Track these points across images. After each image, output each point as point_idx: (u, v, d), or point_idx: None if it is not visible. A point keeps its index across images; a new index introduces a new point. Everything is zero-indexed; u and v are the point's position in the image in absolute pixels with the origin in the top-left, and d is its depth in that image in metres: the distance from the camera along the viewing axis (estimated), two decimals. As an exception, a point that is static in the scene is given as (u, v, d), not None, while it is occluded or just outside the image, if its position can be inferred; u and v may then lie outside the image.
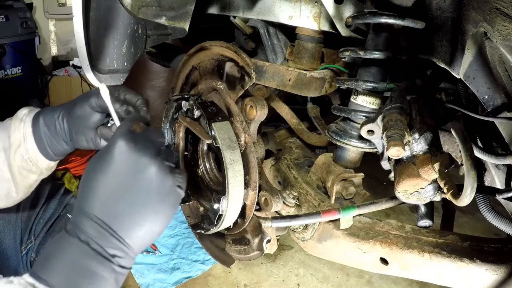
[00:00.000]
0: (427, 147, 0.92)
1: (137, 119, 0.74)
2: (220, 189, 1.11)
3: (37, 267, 0.61)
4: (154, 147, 0.68)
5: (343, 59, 1.37)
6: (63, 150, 0.99)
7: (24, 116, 0.98)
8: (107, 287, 0.61)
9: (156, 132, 0.72)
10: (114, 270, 0.62)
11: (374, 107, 1.17)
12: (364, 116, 1.16)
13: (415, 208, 1.05)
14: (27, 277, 0.59)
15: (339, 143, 1.22)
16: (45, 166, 1.00)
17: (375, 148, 1.07)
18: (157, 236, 0.69)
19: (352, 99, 1.20)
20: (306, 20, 1.32)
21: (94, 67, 1.26)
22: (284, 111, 1.53)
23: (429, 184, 0.90)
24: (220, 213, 1.08)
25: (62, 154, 1.00)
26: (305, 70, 1.37)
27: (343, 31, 1.22)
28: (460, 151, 0.85)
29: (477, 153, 1.02)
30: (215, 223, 1.11)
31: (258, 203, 1.15)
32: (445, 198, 0.90)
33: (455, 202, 0.86)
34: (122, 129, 0.69)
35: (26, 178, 0.98)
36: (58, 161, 1.03)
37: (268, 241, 1.14)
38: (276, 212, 1.25)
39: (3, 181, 0.97)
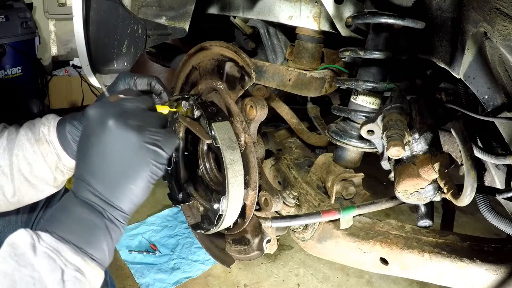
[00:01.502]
0: (427, 147, 0.92)
1: (120, 92, 0.80)
2: (220, 189, 1.11)
3: (48, 224, 0.70)
4: (119, 108, 0.73)
5: (343, 59, 1.37)
6: None
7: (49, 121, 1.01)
8: (98, 232, 0.71)
9: (130, 99, 0.76)
10: (103, 218, 0.71)
11: (374, 107, 1.17)
12: (364, 116, 1.16)
13: (415, 208, 1.05)
14: (44, 236, 0.67)
15: (339, 143, 1.22)
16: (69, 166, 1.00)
17: (375, 148, 1.07)
18: (140, 194, 0.74)
19: (352, 99, 1.20)
20: (306, 20, 1.32)
21: (94, 67, 1.26)
22: (284, 111, 1.53)
23: (429, 184, 0.90)
24: (220, 213, 1.08)
25: None
26: (305, 70, 1.37)
27: (343, 31, 1.22)
28: (460, 151, 0.85)
29: (477, 153, 1.02)
30: (215, 223, 1.11)
31: (258, 203, 1.15)
32: (445, 198, 0.90)
33: (455, 202, 0.86)
34: (98, 100, 0.76)
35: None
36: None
37: (268, 241, 1.14)
38: (276, 212, 1.25)
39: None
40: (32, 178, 0.97)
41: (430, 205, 1.02)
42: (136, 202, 0.74)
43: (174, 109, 1.00)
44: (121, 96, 0.77)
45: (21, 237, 0.66)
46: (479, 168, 1.17)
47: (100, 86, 1.33)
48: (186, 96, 1.13)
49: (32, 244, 0.65)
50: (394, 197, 1.01)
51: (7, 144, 0.97)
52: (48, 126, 0.98)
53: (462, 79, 0.96)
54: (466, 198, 0.83)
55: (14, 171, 0.96)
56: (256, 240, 1.16)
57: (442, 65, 1.03)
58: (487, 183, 1.19)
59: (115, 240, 0.73)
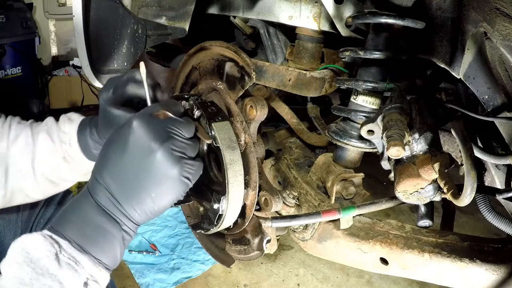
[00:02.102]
0: (427, 147, 0.92)
1: (167, 105, 0.78)
2: (220, 189, 1.11)
3: (54, 222, 0.70)
4: (166, 133, 0.72)
5: (343, 59, 1.37)
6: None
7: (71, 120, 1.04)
8: (115, 243, 0.71)
9: (177, 122, 0.75)
10: (121, 230, 0.71)
11: (374, 107, 1.17)
12: (364, 116, 1.16)
13: (415, 208, 1.05)
14: (45, 231, 0.67)
15: (339, 143, 1.22)
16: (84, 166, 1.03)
17: (375, 148, 1.07)
18: (158, 214, 0.75)
19: (352, 99, 1.20)
20: (306, 20, 1.32)
21: (94, 67, 1.26)
22: (284, 111, 1.53)
23: (429, 184, 0.90)
24: (220, 213, 1.08)
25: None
26: (305, 70, 1.37)
27: (343, 31, 1.22)
28: (460, 151, 0.85)
29: (477, 153, 1.02)
30: (215, 223, 1.11)
31: (258, 203, 1.15)
32: (445, 198, 0.90)
33: (455, 202, 0.86)
34: (144, 111, 0.75)
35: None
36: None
37: (268, 241, 1.14)
38: (276, 212, 1.25)
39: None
40: (57, 180, 1.03)
41: (430, 205, 1.02)
42: (152, 219, 0.75)
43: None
44: (169, 114, 0.77)
45: (38, 243, 0.65)
46: (479, 168, 1.17)
47: (100, 86, 1.33)
48: (186, 96, 1.13)
49: (54, 253, 0.65)
50: (394, 197, 1.01)
51: (25, 147, 1.00)
52: (69, 137, 1.01)
53: (462, 79, 0.96)
54: (466, 198, 0.83)
55: (38, 177, 1.00)
56: (256, 240, 1.16)
57: (442, 65, 1.03)
58: (487, 183, 1.19)
59: (125, 248, 0.75)
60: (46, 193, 1.05)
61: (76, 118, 1.04)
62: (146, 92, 0.87)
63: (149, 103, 0.88)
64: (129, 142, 0.71)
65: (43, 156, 1.00)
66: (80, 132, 1.01)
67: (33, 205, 1.26)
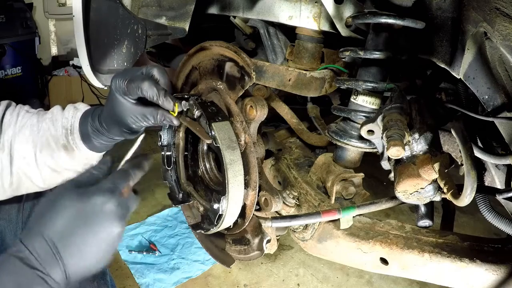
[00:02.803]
0: (427, 147, 0.92)
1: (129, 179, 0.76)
2: (220, 189, 1.11)
3: None
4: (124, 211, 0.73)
5: (343, 59, 1.37)
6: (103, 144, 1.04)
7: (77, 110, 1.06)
8: None
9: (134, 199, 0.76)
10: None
11: (374, 107, 1.17)
12: (364, 116, 1.16)
13: (415, 208, 1.05)
14: None
15: (339, 143, 1.22)
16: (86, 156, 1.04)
17: (375, 148, 1.07)
18: (90, 268, 0.72)
19: (352, 99, 1.20)
20: (306, 20, 1.32)
21: (94, 67, 1.26)
22: (284, 111, 1.53)
23: (429, 184, 0.90)
24: (220, 213, 1.08)
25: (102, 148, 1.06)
26: (305, 70, 1.37)
27: (343, 31, 1.22)
28: (460, 151, 0.85)
29: (477, 153, 1.02)
30: (215, 223, 1.11)
31: (258, 203, 1.15)
32: (445, 198, 0.90)
33: (455, 202, 0.86)
34: (113, 187, 0.73)
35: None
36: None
37: (268, 241, 1.14)
38: (276, 212, 1.25)
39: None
40: (58, 169, 1.04)
41: (430, 205, 1.02)
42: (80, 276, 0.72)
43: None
44: (131, 191, 0.77)
45: None
46: (479, 168, 1.17)
47: (100, 86, 1.33)
48: (186, 96, 1.13)
49: None
50: (394, 197, 1.01)
51: (30, 135, 1.03)
52: (71, 123, 1.03)
53: (462, 79, 0.96)
54: (466, 198, 0.83)
55: (40, 165, 1.02)
56: (256, 240, 1.16)
57: (442, 65, 1.03)
58: (487, 183, 1.19)
59: None
60: (49, 181, 1.06)
61: (82, 107, 1.06)
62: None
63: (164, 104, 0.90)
64: (84, 213, 0.70)
65: (45, 145, 1.02)
66: (82, 121, 1.03)
67: (33, 205, 1.26)
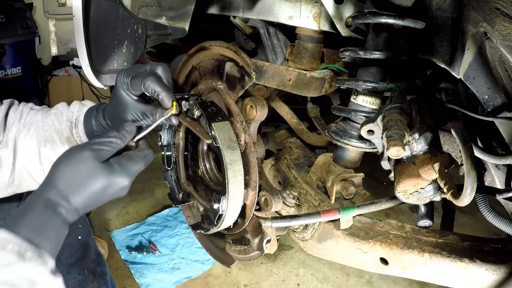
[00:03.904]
0: (427, 147, 0.92)
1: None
2: (220, 189, 1.11)
3: (11, 222, 0.75)
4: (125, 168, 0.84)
5: (343, 59, 1.37)
6: None
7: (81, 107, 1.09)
8: (58, 231, 0.79)
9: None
10: (64, 221, 0.80)
11: (374, 107, 1.17)
12: (364, 116, 1.16)
13: (415, 208, 1.05)
14: (4, 235, 0.72)
15: (339, 143, 1.22)
16: None
17: (375, 148, 1.07)
18: (93, 201, 0.83)
19: (352, 99, 1.20)
20: (306, 20, 1.32)
21: (94, 67, 1.26)
22: (284, 111, 1.53)
23: (429, 184, 0.90)
24: (220, 213, 1.08)
25: None
26: (305, 70, 1.37)
27: (343, 31, 1.22)
28: (460, 151, 0.85)
29: (477, 153, 1.02)
30: (215, 223, 1.11)
31: (258, 203, 1.15)
32: (445, 198, 0.90)
33: (455, 202, 0.86)
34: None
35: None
36: None
37: (268, 241, 1.14)
38: (276, 212, 1.25)
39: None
40: None
41: (430, 205, 1.02)
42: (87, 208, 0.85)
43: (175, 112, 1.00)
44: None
45: None
46: (479, 168, 1.17)
47: (100, 86, 1.33)
48: (186, 96, 1.13)
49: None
50: (394, 197, 1.01)
51: (35, 131, 1.05)
52: (76, 116, 1.05)
53: (462, 79, 0.96)
54: (466, 198, 0.83)
55: (43, 160, 1.04)
56: (256, 240, 1.16)
57: (442, 65, 1.03)
58: (487, 183, 1.19)
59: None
60: None
61: (88, 103, 1.09)
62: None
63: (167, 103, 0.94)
64: (84, 169, 0.81)
65: (49, 140, 1.04)
66: (87, 116, 1.05)
67: None
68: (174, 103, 0.93)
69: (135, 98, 0.94)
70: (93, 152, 0.81)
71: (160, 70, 0.94)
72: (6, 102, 1.09)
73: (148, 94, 0.92)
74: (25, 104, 1.12)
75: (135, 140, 0.90)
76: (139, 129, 0.93)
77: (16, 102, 1.11)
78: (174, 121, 0.96)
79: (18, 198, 1.24)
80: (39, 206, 0.78)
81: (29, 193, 1.19)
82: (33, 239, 0.73)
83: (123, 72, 0.93)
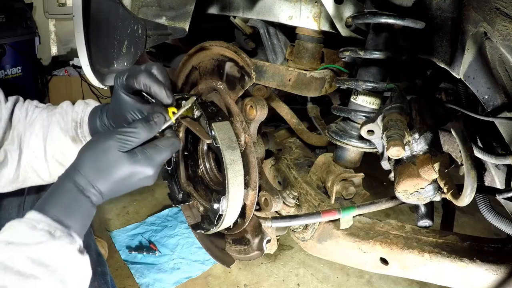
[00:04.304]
0: (427, 147, 0.92)
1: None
2: (220, 189, 1.11)
3: (41, 204, 0.78)
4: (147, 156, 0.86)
5: (343, 59, 1.37)
6: None
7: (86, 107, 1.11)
8: (86, 212, 0.82)
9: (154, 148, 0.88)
10: (91, 202, 0.83)
11: (374, 107, 1.17)
12: (364, 116, 1.16)
13: (415, 208, 1.05)
14: (34, 215, 0.75)
15: (339, 143, 1.22)
16: None
17: (375, 148, 1.07)
18: (119, 188, 0.85)
19: (352, 99, 1.20)
20: (306, 20, 1.32)
21: (94, 67, 1.26)
22: (284, 111, 1.53)
23: (429, 184, 0.90)
24: (220, 213, 1.08)
25: None
26: (305, 70, 1.37)
27: (343, 31, 1.22)
28: (460, 151, 0.85)
29: (477, 153, 1.02)
30: (215, 223, 1.11)
31: (258, 203, 1.15)
32: (445, 198, 0.90)
33: (455, 202, 0.86)
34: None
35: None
36: None
37: (268, 241, 1.14)
38: (276, 212, 1.25)
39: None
40: (65, 163, 1.08)
41: (430, 205, 1.02)
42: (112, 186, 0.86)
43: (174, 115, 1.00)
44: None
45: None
46: (479, 168, 1.17)
47: (100, 86, 1.33)
48: (186, 96, 1.13)
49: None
50: (394, 197, 1.01)
51: (40, 128, 1.07)
52: (81, 116, 1.07)
53: (462, 79, 0.96)
54: (466, 198, 0.83)
55: (48, 157, 1.07)
56: (256, 240, 1.16)
57: (442, 65, 1.03)
58: (487, 183, 1.19)
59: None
60: (54, 175, 1.10)
61: (92, 103, 1.11)
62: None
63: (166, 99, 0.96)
64: (111, 158, 0.84)
65: (54, 138, 1.06)
66: (91, 116, 1.07)
67: (32, 205, 1.26)
68: (190, 98, 0.97)
69: (133, 97, 0.95)
70: (117, 142, 0.83)
71: (154, 69, 0.95)
72: (12, 99, 1.11)
73: (142, 89, 0.93)
74: (30, 101, 1.14)
75: (159, 130, 0.91)
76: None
77: (21, 99, 1.14)
78: (170, 119, 0.98)
79: (18, 200, 1.25)
80: (68, 188, 0.80)
81: (31, 188, 1.21)
82: (63, 219, 0.76)
83: (120, 73, 0.95)
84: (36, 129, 1.07)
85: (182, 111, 0.97)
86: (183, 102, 1.08)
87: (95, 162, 0.82)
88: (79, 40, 1.18)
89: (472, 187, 0.81)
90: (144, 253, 2.45)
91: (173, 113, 0.95)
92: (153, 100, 0.96)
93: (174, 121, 0.94)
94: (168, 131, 0.94)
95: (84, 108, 1.09)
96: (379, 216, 1.19)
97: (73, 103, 1.13)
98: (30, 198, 1.29)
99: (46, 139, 1.06)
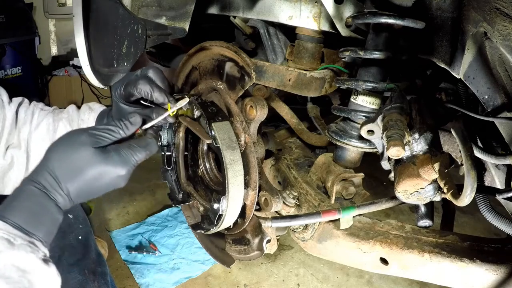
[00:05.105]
0: (427, 147, 0.92)
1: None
2: (220, 189, 1.11)
3: (1, 209, 0.73)
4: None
5: (343, 59, 1.37)
6: None
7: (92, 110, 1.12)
8: (51, 217, 0.77)
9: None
10: (57, 206, 0.78)
11: (374, 107, 1.17)
12: (364, 116, 1.16)
13: (415, 208, 1.05)
14: None
15: (339, 143, 1.22)
16: None
17: (375, 148, 1.07)
18: (88, 188, 0.81)
19: (352, 99, 1.20)
20: (306, 20, 1.32)
21: (94, 67, 1.26)
22: (284, 111, 1.53)
23: (429, 184, 0.90)
24: (220, 213, 1.08)
25: None
26: (305, 70, 1.37)
27: (343, 31, 1.22)
28: (460, 151, 0.85)
29: (477, 153, 1.02)
30: (215, 223, 1.11)
31: (258, 203, 1.15)
32: (445, 198, 0.90)
33: (455, 202, 0.86)
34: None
35: None
36: None
37: (268, 241, 1.14)
38: (276, 212, 1.25)
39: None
40: None
41: (430, 205, 1.02)
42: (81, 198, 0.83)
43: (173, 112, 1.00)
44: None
45: None
46: (479, 168, 1.17)
47: (100, 86, 1.33)
48: (185, 96, 1.13)
49: None
50: (394, 197, 1.01)
51: (46, 134, 1.07)
52: (87, 125, 1.08)
53: (462, 79, 0.96)
54: (466, 198, 0.83)
55: None
56: (256, 240, 1.16)
57: (442, 65, 1.03)
58: (487, 183, 1.19)
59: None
60: None
61: (97, 108, 1.10)
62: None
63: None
64: (83, 158, 0.81)
65: None
66: (98, 122, 1.07)
67: None
68: (169, 105, 0.94)
69: (133, 106, 0.95)
70: (91, 138, 0.80)
71: (150, 73, 0.94)
72: (16, 100, 1.10)
73: (142, 96, 0.93)
74: (36, 104, 1.14)
75: (142, 128, 0.90)
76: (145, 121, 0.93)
77: (26, 100, 1.13)
78: (170, 119, 0.98)
79: None
80: (31, 191, 0.75)
81: None
82: (24, 226, 0.71)
83: (116, 84, 0.95)
84: (42, 134, 1.06)
85: (162, 116, 0.95)
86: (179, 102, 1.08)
87: (65, 158, 0.77)
88: (79, 40, 1.18)
89: (472, 187, 0.81)
90: (144, 253, 2.45)
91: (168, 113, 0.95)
92: (153, 106, 0.96)
93: (155, 123, 0.93)
94: (149, 133, 0.92)
95: (89, 115, 1.08)
96: (379, 216, 1.19)
97: (78, 107, 1.12)
98: None
99: None
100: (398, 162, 0.96)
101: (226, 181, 1.04)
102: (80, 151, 0.78)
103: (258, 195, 1.14)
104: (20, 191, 0.76)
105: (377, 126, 0.98)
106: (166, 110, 0.95)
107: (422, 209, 1.02)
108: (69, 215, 1.38)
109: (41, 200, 0.75)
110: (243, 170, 1.08)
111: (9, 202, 0.74)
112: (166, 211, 2.90)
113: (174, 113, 0.97)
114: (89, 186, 0.80)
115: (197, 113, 1.07)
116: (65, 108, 1.15)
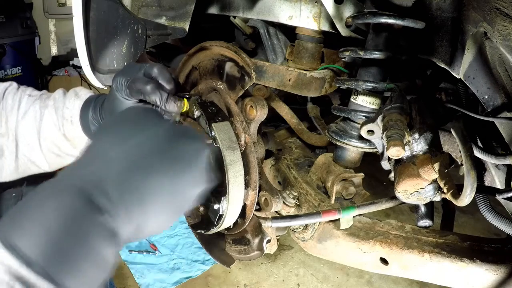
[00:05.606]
0: (427, 147, 0.92)
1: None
2: (220, 189, 1.11)
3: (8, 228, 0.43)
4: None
5: (343, 59, 1.37)
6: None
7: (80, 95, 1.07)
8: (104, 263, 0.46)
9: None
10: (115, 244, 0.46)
11: (374, 107, 1.17)
12: (364, 116, 1.16)
13: (415, 208, 1.05)
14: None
15: (339, 143, 1.22)
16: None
17: (375, 148, 1.07)
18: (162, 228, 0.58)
19: (352, 99, 1.20)
20: (306, 20, 1.32)
21: (94, 67, 1.26)
22: (284, 111, 1.53)
23: (429, 184, 0.90)
24: (220, 213, 1.08)
25: None
26: (305, 70, 1.37)
27: (343, 31, 1.22)
28: (460, 151, 0.85)
29: (477, 153, 1.02)
30: (216, 223, 1.11)
31: (258, 203, 1.15)
32: (445, 198, 0.90)
33: (455, 202, 0.86)
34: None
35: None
36: None
37: (268, 241, 1.14)
38: (276, 212, 1.25)
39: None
40: (62, 154, 1.07)
41: (430, 205, 1.02)
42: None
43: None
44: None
45: None
46: (479, 168, 1.17)
47: (100, 86, 1.34)
48: (187, 97, 1.13)
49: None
50: (394, 197, 1.01)
51: (33, 121, 1.05)
52: (72, 113, 1.03)
53: (462, 79, 0.96)
54: (466, 198, 0.83)
55: (44, 150, 1.05)
56: (256, 240, 1.16)
57: (442, 65, 1.03)
58: (487, 183, 1.19)
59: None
60: (54, 165, 1.10)
61: (83, 95, 1.05)
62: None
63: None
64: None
65: (47, 132, 1.05)
66: (83, 110, 1.02)
67: None
68: (185, 101, 0.96)
69: (132, 100, 0.93)
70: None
71: (156, 73, 0.88)
72: (2, 85, 1.06)
73: (150, 102, 0.91)
74: (24, 89, 1.09)
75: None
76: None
77: (14, 85, 1.08)
78: (177, 118, 0.96)
79: (20, 183, 1.24)
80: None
81: (29, 179, 1.19)
82: (52, 270, 0.41)
83: (119, 76, 0.89)
84: (29, 122, 1.04)
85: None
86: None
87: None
88: (79, 40, 1.18)
89: (472, 187, 0.81)
90: (144, 253, 2.46)
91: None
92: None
93: None
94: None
95: (74, 102, 1.03)
96: (379, 216, 1.19)
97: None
98: (28, 189, 1.29)
99: (39, 133, 1.04)
100: (398, 162, 0.97)
101: (227, 182, 1.04)
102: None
103: (258, 195, 1.14)
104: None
105: (377, 126, 0.98)
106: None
107: (422, 209, 1.02)
108: None
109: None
110: (243, 170, 1.08)
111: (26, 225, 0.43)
112: (166, 211, 2.90)
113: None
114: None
115: (197, 113, 1.07)
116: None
